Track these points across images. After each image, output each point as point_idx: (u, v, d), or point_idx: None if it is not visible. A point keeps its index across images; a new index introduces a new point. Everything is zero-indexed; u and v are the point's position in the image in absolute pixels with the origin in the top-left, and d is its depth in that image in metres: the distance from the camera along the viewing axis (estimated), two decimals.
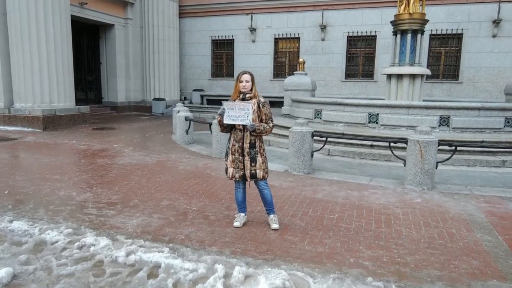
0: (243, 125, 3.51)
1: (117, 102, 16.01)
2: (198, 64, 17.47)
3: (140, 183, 5.38)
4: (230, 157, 3.66)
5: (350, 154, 7.45)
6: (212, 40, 17.00)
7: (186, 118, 8.52)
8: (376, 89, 14.58)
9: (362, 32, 14.69)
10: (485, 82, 13.56)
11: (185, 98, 17.34)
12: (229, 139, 3.68)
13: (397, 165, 6.66)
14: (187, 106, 11.40)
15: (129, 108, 16.32)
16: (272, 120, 3.63)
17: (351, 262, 3.11)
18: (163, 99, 15.79)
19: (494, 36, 13.21)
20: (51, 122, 10.58)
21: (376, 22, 14.40)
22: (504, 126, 7.85)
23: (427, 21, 9.52)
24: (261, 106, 3.54)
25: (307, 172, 5.99)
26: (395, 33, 9.81)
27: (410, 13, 9.30)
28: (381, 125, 8.19)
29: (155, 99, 15.83)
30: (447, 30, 13.66)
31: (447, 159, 5.39)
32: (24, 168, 6.24)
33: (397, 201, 4.70)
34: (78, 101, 12.32)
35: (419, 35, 9.54)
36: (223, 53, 17.12)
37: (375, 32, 14.52)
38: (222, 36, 16.75)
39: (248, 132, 3.53)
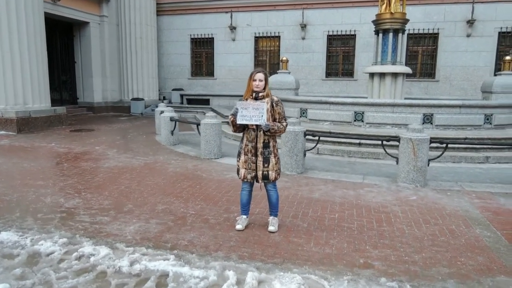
0: (257, 125, 3.42)
1: (93, 103, 15.47)
2: (177, 63, 17.15)
3: (130, 187, 5.18)
4: (242, 158, 3.57)
5: (339, 153, 7.49)
6: (191, 38, 16.73)
7: (172, 119, 8.31)
8: (356, 87, 14.79)
9: (341, 31, 14.84)
10: (461, 80, 14.01)
11: (164, 98, 16.98)
12: (242, 139, 3.59)
13: (386, 162, 6.77)
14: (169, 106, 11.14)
15: (106, 109, 15.81)
16: (285, 119, 3.56)
17: (361, 262, 3.09)
18: (142, 99, 15.40)
19: (468, 35, 13.67)
20: (26, 124, 10.08)
21: (355, 21, 14.59)
22: (484, 123, 8.10)
23: (407, 20, 9.70)
24: (274, 105, 3.46)
25: (300, 171, 5.96)
26: (376, 32, 9.93)
27: (391, 13, 9.43)
28: (367, 123, 8.27)
29: (133, 99, 15.41)
30: (423, 29, 14.01)
31: (439, 156, 5.50)
32: (2, 173, 5.87)
33: (394, 199, 4.74)
34: (52, 102, 11.76)
35: (400, 34, 9.69)
36: (202, 52, 16.88)
37: (355, 31, 14.71)
38: (201, 34, 16.51)
39: (261, 132, 3.45)
